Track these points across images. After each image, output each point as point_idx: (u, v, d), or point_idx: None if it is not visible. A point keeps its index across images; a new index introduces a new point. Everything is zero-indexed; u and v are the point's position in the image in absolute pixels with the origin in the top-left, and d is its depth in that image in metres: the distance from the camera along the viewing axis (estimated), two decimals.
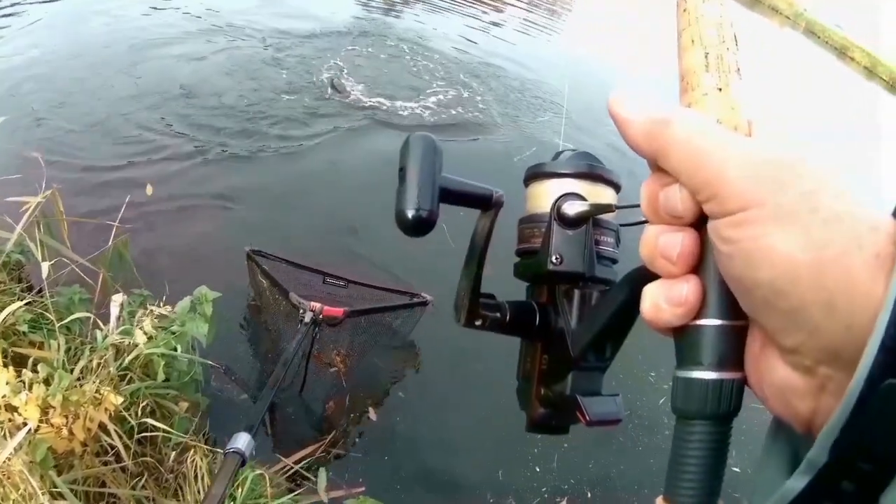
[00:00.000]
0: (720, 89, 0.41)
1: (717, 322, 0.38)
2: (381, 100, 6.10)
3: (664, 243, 0.40)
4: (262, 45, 6.66)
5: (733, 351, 0.39)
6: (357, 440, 3.09)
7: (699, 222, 0.39)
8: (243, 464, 1.71)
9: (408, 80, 6.79)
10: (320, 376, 3.21)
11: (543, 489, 3.12)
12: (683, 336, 0.40)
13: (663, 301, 0.39)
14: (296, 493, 2.62)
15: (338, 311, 2.75)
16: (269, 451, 2.84)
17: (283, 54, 6.61)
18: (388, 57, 7.35)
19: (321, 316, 2.70)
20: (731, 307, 0.38)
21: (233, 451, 1.71)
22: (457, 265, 0.56)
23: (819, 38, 17.64)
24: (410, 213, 0.46)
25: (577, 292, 0.54)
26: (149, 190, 2.80)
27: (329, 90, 6.01)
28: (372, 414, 3.22)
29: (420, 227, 0.46)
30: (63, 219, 2.55)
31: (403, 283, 3.58)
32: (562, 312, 0.54)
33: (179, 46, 6.19)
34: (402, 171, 0.47)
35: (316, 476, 2.69)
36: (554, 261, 0.52)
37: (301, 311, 2.73)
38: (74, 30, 6.11)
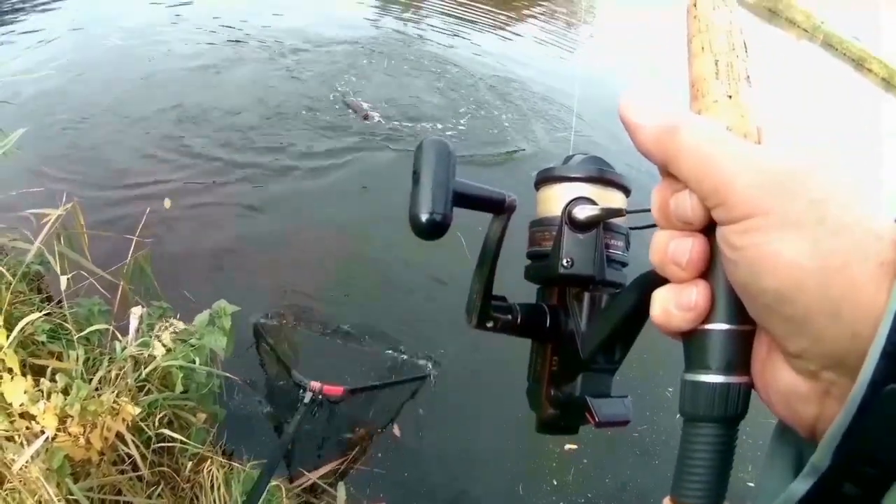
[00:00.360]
0: (730, 97, 0.41)
1: (725, 326, 0.39)
2: (402, 122, 6.12)
3: (674, 249, 0.40)
4: (280, 59, 6.75)
5: (740, 355, 0.39)
6: (379, 455, 3.07)
7: (708, 228, 0.39)
8: None
9: (425, 95, 6.83)
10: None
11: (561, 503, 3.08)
12: (692, 340, 0.40)
13: (673, 306, 0.40)
14: None
15: (338, 389, 2.78)
16: (286, 465, 2.83)
17: (301, 67, 6.68)
18: (407, 69, 7.40)
19: (321, 395, 2.74)
20: (739, 312, 0.39)
21: None
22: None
23: (837, 49, 17.58)
24: (424, 217, 0.46)
25: (587, 295, 0.54)
26: (167, 203, 2.83)
27: (350, 112, 6.01)
28: (396, 430, 3.21)
29: (434, 230, 0.46)
30: (83, 231, 2.58)
31: (408, 349, 3.54)
32: (572, 315, 0.55)
33: (198, 60, 6.31)
34: (416, 175, 0.47)
35: (334, 489, 2.68)
36: (565, 264, 0.53)
37: (301, 390, 2.75)
38: (95, 44, 6.25)
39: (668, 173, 0.41)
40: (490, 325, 0.55)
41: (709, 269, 0.40)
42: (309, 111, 5.82)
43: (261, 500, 2.10)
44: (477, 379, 3.60)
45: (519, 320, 0.55)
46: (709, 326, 0.39)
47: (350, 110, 6.02)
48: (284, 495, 2.42)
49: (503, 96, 7.34)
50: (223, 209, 4.35)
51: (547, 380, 0.56)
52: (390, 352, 3.47)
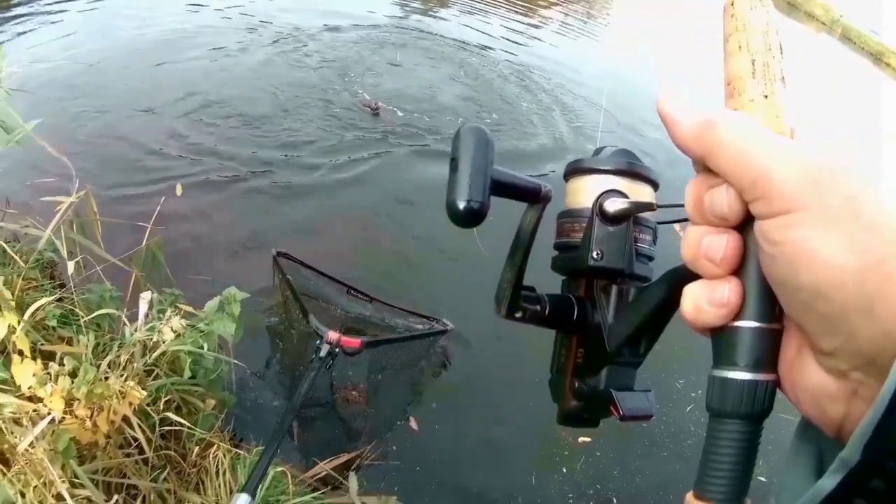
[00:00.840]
0: (766, 96, 0.42)
1: (755, 324, 0.39)
2: (416, 115, 6.09)
3: (708, 245, 0.40)
4: (299, 52, 6.76)
5: (769, 353, 0.40)
6: (393, 448, 3.08)
7: (743, 224, 0.40)
8: None
9: (442, 86, 6.81)
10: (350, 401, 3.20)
11: (571, 495, 3.08)
12: (721, 336, 0.41)
13: (705, 302, 0.40)
14: (321, 491, 2.62)
15: (355, 342, 2.70)
16: (300, 456, 2.86)
17: (313, 58, 6.71)
18: (422, 59, 7.39)
19: (339, 347, 2.66)
20: (770, 310, 0.39)
21: None
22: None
23: (855, 43, 17.37)
24: (462, 205, 0.46)
25: (615, 288, 0.54)
26: (179, 189, 2.85)
27: (366, 111, 5.93)
28: (413, 423, 3.21)
29: (471, 218, 0.46)
30: (97, 219, 2.62)
31: (426, 309, 3.51)
32: (599, 307, 0.55)
33: (216, 52, 6.35)
34: (455, 162, 0.47)
35: (347, 481, 2.70)
36: (595, 256, 0.53)
37: (318, 339, 2.68)
38: (111, 35, 6.30)
39: (704, 168, 0.41)
40: (519, 315, 0.55)
41: (741, 265, 0.40)
42: (324, 102, 5.83)
43: (272, 461, 2.07)
44: (494, 370, 3.61)
45: (547, 311, 0.55)
46: (739, 323, 0.40)
47: (365, 107, 5.94)
48: (290, 482, 2.44)
49: (525, 87, 7.30)
50: (237, 198, 4.38)
51: (571, 372, 0.56)
52: (405, 318, 3.39)
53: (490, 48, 8.26)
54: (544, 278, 0.60)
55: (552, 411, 0.57)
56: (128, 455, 1.98)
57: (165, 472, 2.07)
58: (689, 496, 0.40)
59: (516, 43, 8.85)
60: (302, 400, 2.47)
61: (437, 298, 3.82)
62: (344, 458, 2.86)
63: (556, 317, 0.56)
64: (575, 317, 0.55)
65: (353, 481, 2.69)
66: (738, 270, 0.40)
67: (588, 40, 10.86)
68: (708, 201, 0.40)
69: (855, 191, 0.35)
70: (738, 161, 0.38)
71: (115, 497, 1.79)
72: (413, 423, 3.21)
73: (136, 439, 2.02)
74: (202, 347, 2.47)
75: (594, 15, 12.86)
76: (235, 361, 2.67)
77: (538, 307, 0.55)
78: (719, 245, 0.40)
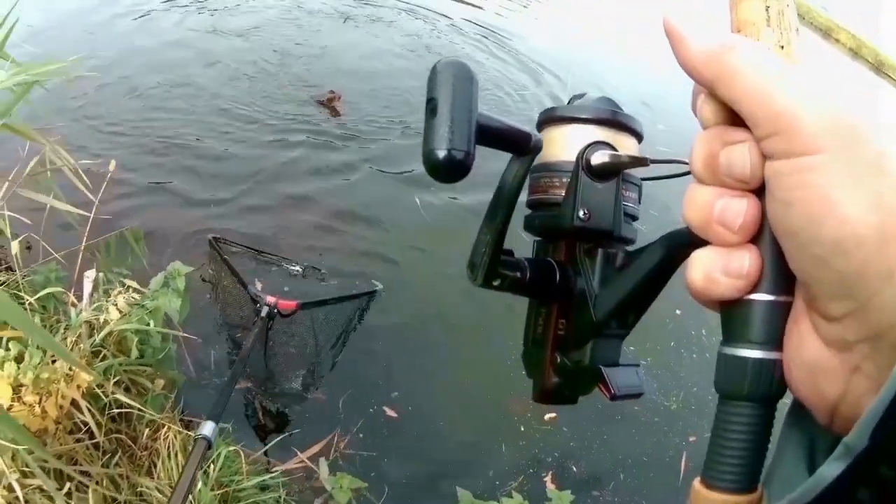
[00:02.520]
0: (782, 47, 0.37)
1: (771, 297, 0.36)
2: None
3: (723, 209, 0.36)
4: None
5: (782, 329, 0.36)
6: (360, 437, 3.05)
7: (761, 187, 0.36)
8: (209, 447, 1.92)
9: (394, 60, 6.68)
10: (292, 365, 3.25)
11: (530, 469, 3.12)
12: (733, 310, 0.37)
13: (720, 272, 0.36)
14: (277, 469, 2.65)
15: (291, 304, 2.91)
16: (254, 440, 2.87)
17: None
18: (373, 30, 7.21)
19: (276, 309, 2.84)
20: (784, 281, 0.36)
21: (201, 437, 1.90)
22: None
23: (804, 19, 17.76)
24: (442, 154, 0.39)
25: (601, 251, 0.49)
26: (112, 165, 2.74)
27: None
28: (391, 412, 3.19)
29: (453, 170, 0.39)
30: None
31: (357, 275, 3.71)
32: (584, 273, 0.50)
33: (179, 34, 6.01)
34: (433, 103, 0.40)
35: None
36: (581, 216, 0.48)
37: (257, 304, 2.86)
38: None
39: (716, 114, 0.37)
40: (497, 283, 0.49)
41: (759, 233, 0.36)
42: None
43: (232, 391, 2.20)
44: (440, 336, 3.66)
45: (528, 278, 0.50)
46: (754, 296, 0.36)
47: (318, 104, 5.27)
48: (244, 461, 2.44)
49: (486, 52, 7.20)
50: (178, 181, 4.20)
51: (551, 345, 0.51)
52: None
53: (444, 15, 8.07)
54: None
55: (526, 374, 0.53)
56: (78, 441, 1.95)
57: (117, 457, 2.05)
58: (696, 483, 0.36)
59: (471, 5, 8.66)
60: (248, 353, 2.64)
61: (371, 265, 3.89)
62: (317, 447, 2.89)
63: (536, 284, 0.50)
64: (556, 283, 0.50)
65: (323, 467, 2.71)
66: (756, 238, 0.36)
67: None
68: (725, 160, 0.36)
69: (884, 147, 0.32)
70: (759, 90, 0.34)
71: (68, 485, 1.77)
72: (392, 412, 3.20)
73: (86, 424, 1.99)
74: (149, 325, 2.44)
75: None
76: (183, 334, 2.64)
77: (518, 273, 0.49)
78: (739, 210, 0.35)
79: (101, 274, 2.48)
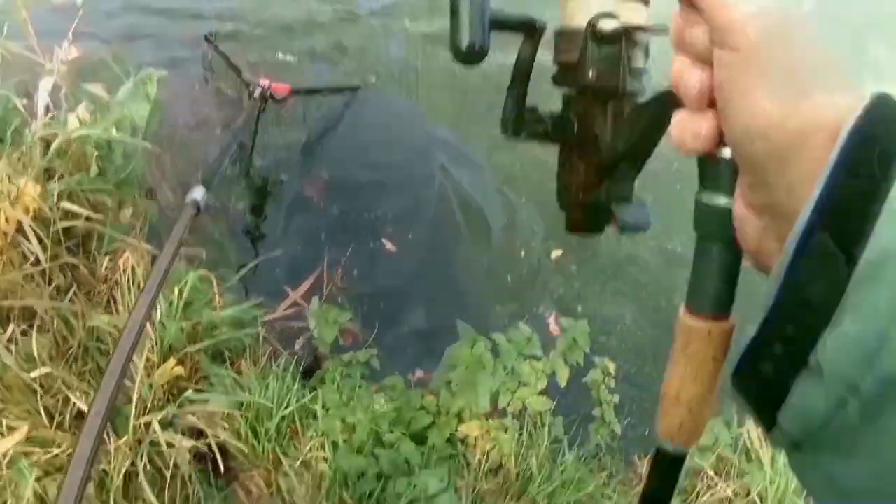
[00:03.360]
0: None
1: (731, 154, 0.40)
2: None
3: (685, 79, 0.40)
4: None
5: None
6: (354, 273, 2.90)
7: None
8: (198, 212, 1.86)
9: None
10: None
11: (534, 308, 3.06)
12: (706, 162, 0.42)
13: (687, 131, 0.41)
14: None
15: (285, 88, 2.96)
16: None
17: None
18: None
19: (269, 91, 2.87)
20: None
21: (191, 201, 1.84)
22: None
23: None
24: (464, 45, 0.50)
25: (611, 104, 0.55)
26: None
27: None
28: (390, 245, 3.03)
29: (474, 57, 0.50)
30: None
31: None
32: (598, 124, 0.56)
33: None
34: (455, 3, 0.50)
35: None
36: (591, 76, 0.54)
37: (251, 87, 2.90)
38: None
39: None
40: (524, 134, 0.58)
41: None
42: None
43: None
44: None
45: (550, 129, 0.58)
46: (720, 152, 0.41)
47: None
48: (217, 291, 2.25)
49: None
50: None
51: (574, 185, 0.58)
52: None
53: None
54: None
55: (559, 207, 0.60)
56: (26, 276, 1.72)
57: (71, 292, 1.84)
58: (682, 308, 0.43)
59: None
60: (241, 130, 2.66)
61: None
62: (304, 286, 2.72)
63: (558, 134, 0.58)
64: (575, 133, 0.57)
65: (314, 302, 2.54)
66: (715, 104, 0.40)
67: None
68: (688, 35, 0.40)
69: (804, 52, 0.36)
70: None
71: (11, 326, 1.57)
72: (391, 246, 3.04)
73: (34, 254, 1.76)
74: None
75: None
76: (148, 144, 2.36)
77: (541, 126, 0.58)
78: (695, 80, 0.40)
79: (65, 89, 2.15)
